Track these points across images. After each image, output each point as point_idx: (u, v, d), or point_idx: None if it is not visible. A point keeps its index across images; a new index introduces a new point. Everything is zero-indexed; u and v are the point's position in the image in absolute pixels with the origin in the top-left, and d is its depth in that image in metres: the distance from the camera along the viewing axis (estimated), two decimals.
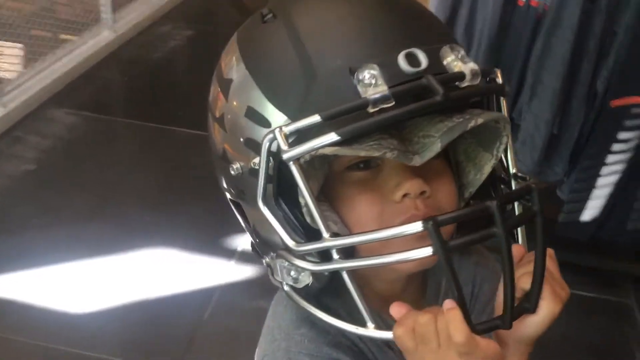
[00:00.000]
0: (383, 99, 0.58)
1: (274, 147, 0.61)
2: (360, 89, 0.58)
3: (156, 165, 2.84)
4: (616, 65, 1.84)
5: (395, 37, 0.62)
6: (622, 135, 1.92)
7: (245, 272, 2.28)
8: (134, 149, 3.03)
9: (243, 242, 2.39)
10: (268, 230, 0.66)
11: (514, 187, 0.67)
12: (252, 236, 0.74)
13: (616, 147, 1.93)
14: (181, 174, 2.76)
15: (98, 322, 2.07)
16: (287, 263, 0.65)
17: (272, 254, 0.68)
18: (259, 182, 0.63)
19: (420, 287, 0.78)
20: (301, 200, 0.63)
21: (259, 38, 0.68)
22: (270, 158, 0.61)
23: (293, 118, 0.61)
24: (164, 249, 2.36)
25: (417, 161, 0.62)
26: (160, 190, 2.68)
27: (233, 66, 0.67)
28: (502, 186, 0.70)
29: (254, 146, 0.63)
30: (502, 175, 0.70)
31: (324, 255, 0.62)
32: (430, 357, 0.57)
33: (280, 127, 0.60)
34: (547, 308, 0.60)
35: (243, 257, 2.33)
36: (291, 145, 0.59)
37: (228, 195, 0.74)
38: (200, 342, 2.02)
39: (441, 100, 0.57)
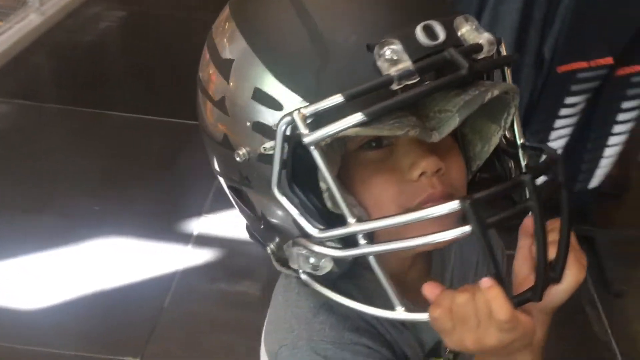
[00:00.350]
0: (408, 75, 0.55)
1: (288, 131, 0.59)
2: (380, 65, 0.56)
3: (95, 152, 2.74)
4: (561, 32, 1.89)
5: (410, 10, 0.60)
6: (569, 100, 1.97)
7: (203, 256, 2.25)
8: (70, 136, 2.90)
9: (198, 225, 2.36)
10: (280, 217, 0.64)
11: (522, 158, 0.67)
12: (253, 224, 0.71)
13: (563, 111, 1.99)
14: (123, 160, 2.68)
15: (52, 317, 1.99)
16: (305, 250, 0.63)
17: (277, 240, 0.67)
18: (274, 168, 0.60)
19: (426, 263, 0.78)
20: (322, 185, 0.61)
21: (260, 12, 0.64)
22: (285, 142, 0.59)
23: (308, 99, 0.58)
24: (116, 238, 2.29)
25: (436, 137, 0.61)
26: (103, 178, 2.59)
27: (231, 44, 0.64)
28: (506, 157, 0.69)
29: (264, 130, 0.60)
30: (505, 147, 0.69)
31: (347, 241, 0.60)
32: (469, 337, 0.56)
33: (299, 110, 0.57)
34: (572, 276, 0.60)
35: (200, 240, 2.30)
36: (309, 128, 0.57)
37: (225, 182, 0.71)
38: (162, 330, 1.98)
39: (467, 74, 0.55)
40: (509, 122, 0.66)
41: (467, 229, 0.54)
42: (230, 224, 2.29)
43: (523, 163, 0.66)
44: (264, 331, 0.76)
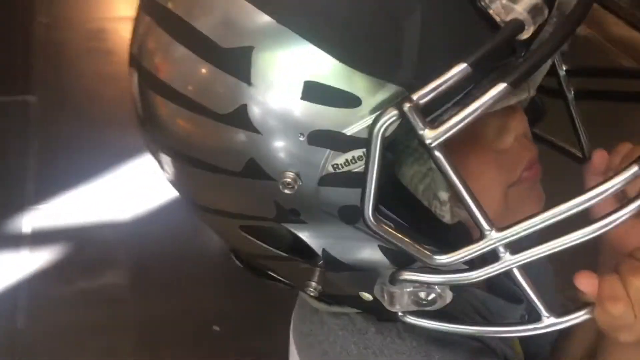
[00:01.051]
0: (539, 12, 0.43)
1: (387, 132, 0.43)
2: (496, 8, 0.43)
3: None
4: None
5: None
6: None
7: (45, 255, 1.98)
8: None
9: (29, 221, 2.06)
10: (361, 251, 0.51)
11: None
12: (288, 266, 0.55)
13: None
14: None
15: None
16: (412, 286, 0.49)
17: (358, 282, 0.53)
18: (368, 188, 0.45)
19: None
20: (442, 195, 0.49)
21: None
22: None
23: (409, 83, 0.43)
24: None
25: (532, 91, 0.53)
26: None
27: (236, 22, 0.46)
28: None
29: (331, 141, 0.45)
30: None
31: (481, 257, 0.47)
32: None
33: (410, 99, 0.41)
34: None
35: (36, 239, 2.02)
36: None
37: (237, 224, 0.53)
38: (23, 356, 1.72)
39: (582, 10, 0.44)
40: None
41: None
42: (69, 209, 2.03)
43: None
44: None
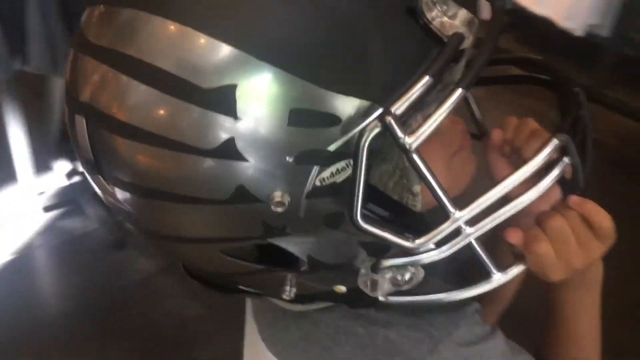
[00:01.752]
0: (472, 24, 0.50)
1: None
2: (438, 23, 0.49)
3: None
4: None
5: None
6: None
7: None
8: None
9: None
10: (342, 249, 0.55)
11: None
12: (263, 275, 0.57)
13: None
14: None
15: None
16: (391, 271, 0.55)
17: (333, 278, 0.57)
18: (356, 195, 0.49)
19: None
20: (416, 188, 0.56)
21: (235, 9, 0.46)
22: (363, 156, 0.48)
23: (379, 98, 0.47)
24: None
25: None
26: None
27: (214, 62, 0.45)
28: None
29: (316, 158, 0.48)
30: None
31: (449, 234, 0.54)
32: (577, 256, 0.54)
33: (389, 112, 0.47)
34: None
35: None
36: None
37: (218, 247, 0.54)
38: None
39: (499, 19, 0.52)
40: None
41: (566, 161, 0.52)
42: None
43: None
44: None
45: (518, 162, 0.65)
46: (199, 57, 0.45)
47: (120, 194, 0.51)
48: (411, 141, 0.47)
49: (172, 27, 0.45)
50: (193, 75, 0.45)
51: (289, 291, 0.55)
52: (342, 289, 0.57)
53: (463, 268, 0.63)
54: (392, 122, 0.46)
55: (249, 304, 0.73)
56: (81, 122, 0.50)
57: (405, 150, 0.47)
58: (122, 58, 0.46)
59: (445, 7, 0.49)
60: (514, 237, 0.54)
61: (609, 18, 2.74)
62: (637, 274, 2.03)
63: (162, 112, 0.46)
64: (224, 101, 0.45)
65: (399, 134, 0.46)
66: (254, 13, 0.46)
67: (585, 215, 0.54)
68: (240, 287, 0.61)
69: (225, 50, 0.45)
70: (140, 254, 2.16)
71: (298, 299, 0.57)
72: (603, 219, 0.54)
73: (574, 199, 0.54)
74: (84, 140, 0.50)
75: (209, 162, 0.47)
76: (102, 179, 0.52)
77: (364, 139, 0.47)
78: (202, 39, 0.45)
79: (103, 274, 2.13)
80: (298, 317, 0.63)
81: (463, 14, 0.49)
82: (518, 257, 0.55)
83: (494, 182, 0.51)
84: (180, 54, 0.45)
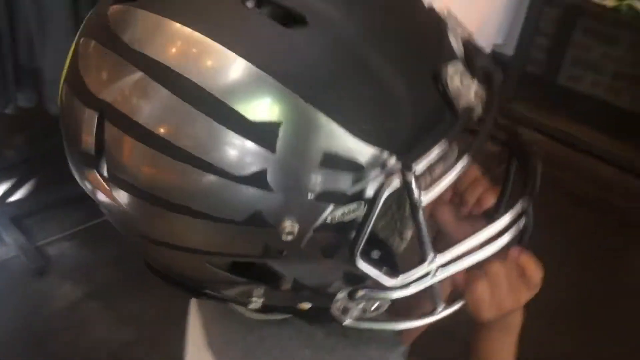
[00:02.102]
0: (481, 97, 0.56)
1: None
2: (452, 92, 0.53)
3: None
4: None
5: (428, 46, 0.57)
6: None
7: None
8: None
9: None
10: (327, 276, 0.59)
11: None
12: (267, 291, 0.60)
13: None
14: None
15: None
16: (364, 300, 0.58)
17: (308, 298, 0.61)
18: (362, 235, 0.53)
19: None
20: (407, 234, 0.63)
21: (293, 55, 0.49)
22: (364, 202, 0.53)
23: (401, 151, 0.52)
24: None
25: None
26: None
27: (264, 100, 0.47)
28: None
29: (334, 198, 0.51)
30: None
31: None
32: (508, 298, 0.61)
33: (409, 167, 0.51)
34: None
35: None
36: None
37: (212, 260, 0.55)
38: None
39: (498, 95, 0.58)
40: None
41: (522, 222, 0.59)
42: None
43: None
44: None
45: (460, 207, 0.70)
46: (248, 88, 0.47)
47: (119, 194, 0.52)
48: (425, 200, 0.51)
49: (226, 53, 0.47)
50: (241, 104, 0.47)
51: (257, 302, 0.58)
52: (306, 306, 0.60)
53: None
54: (412, 180, 0.50)
55: (196, 314, 0.74)
56: (92, 116, 0.50)
57: (416, 207, 0.52)
58: (168, 72, 0.47)
59: (462, 78, 0.54)
60: (458, 274, 0.60)
61: (512, 38, 2.91)
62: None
63: (197, 132, 0.47)
64: (266, 136, 0.47)
65: (416, 193, 0.50)
66: (316, 74, 0.49)
67: (520, 265, 0.61)
68: (207, 291, 0.62)
69: (276, 86, 0.47)
70: (64, 280, 2.09)
71: (261, 308, 0.60)
72: (535, 270, 0.61)
73: (514, 251, 0.61)
74: (89, 134, 0.51)
75: (234, 186, 0.48)
76: (97, 175, 0.52)
77: (383, 189, 0.51)
78: (255, 70, 0.47)
79: (26, 304, 2.05)
80: (250, 327, 0.66)
81: (475, 86, 0.54)
82: (459, 294, 0.61)
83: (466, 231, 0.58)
84: (231, 82, 0.47)
